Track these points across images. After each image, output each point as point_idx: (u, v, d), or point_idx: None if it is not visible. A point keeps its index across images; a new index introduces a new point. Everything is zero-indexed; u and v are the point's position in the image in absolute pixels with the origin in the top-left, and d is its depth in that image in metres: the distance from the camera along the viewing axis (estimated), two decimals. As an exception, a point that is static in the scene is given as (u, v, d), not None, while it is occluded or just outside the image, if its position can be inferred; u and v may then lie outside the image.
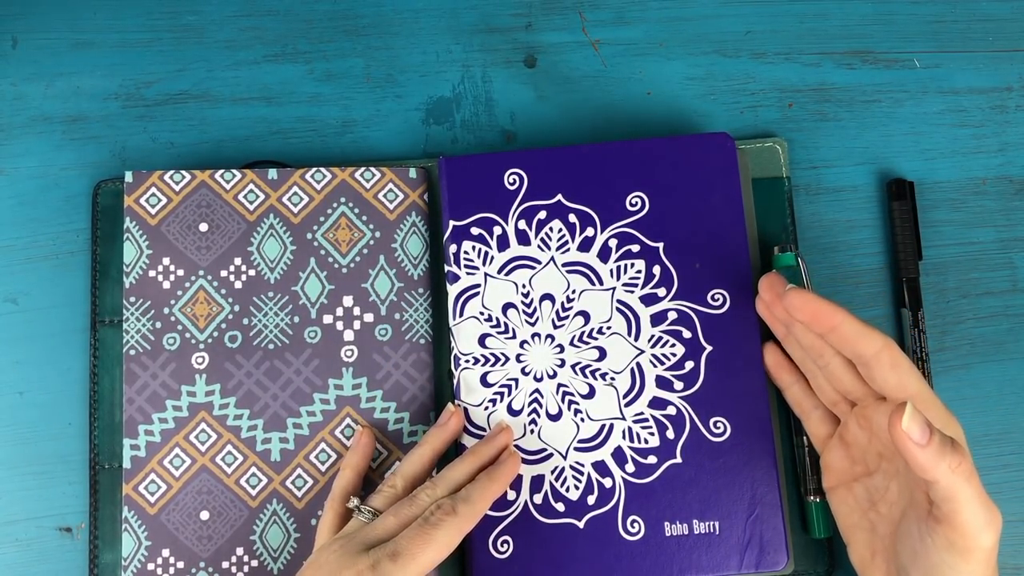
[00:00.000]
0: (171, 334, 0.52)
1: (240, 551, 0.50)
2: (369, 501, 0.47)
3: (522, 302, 0.52)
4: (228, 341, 0.52)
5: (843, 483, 0.48)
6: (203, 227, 0.53)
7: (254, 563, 0.50)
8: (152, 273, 0.52)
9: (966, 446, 0.45)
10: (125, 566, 0.50)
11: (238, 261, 0.53)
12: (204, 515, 0.51)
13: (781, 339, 0.51)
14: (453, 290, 0.52)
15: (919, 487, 0.42)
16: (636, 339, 0.51)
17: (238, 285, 0.52)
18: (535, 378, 0.51)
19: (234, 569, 0.50)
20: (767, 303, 0.50)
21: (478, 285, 0.52)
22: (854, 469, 0.48)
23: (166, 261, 0.52)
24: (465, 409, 0.51)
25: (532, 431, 0.51)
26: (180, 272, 0.52)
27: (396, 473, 0.48)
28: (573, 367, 0.51)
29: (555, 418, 0.51)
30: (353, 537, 0.44)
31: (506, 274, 0.52)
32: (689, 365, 0.51)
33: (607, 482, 0.50)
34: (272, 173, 0.53)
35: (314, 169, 0.54)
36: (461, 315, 0.52)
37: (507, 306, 0.52)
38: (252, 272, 0.53)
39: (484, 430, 0.51)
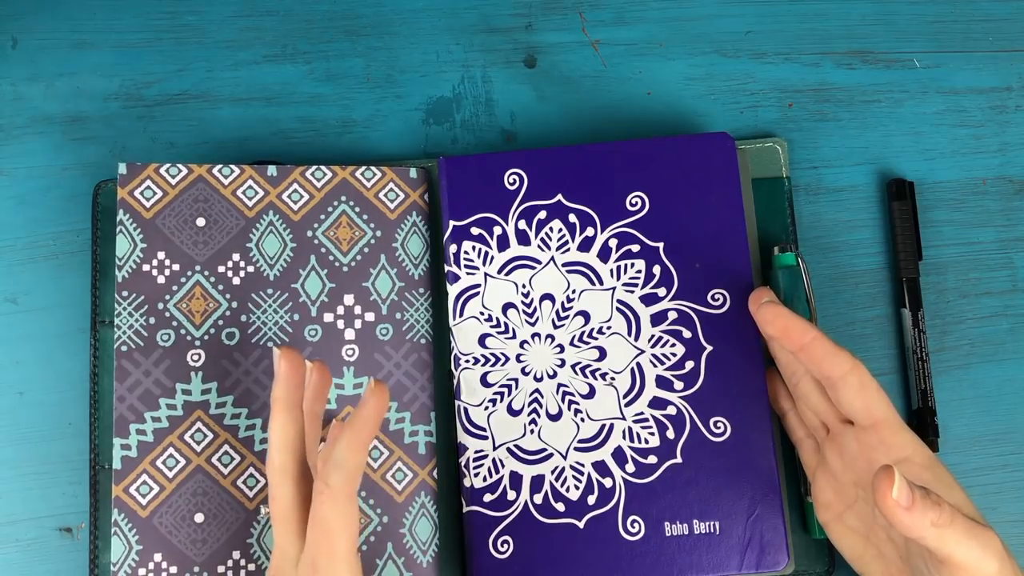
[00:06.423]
0: (165, 330, 0.51)
1: (236, 555, 0.49)
2: None
3: (522, 302, 0.52)
4: (226, 338, 0.51)
5: (836, 515, 0.48)
6: (200, 222, 0.52)
7: (251, 567, 0.49)
8: (146, 267, 0.51)
9: (937, 460, 0.44)
10: (115, 572, 0.48)
11: (236, 257, 0.52)
12: (199, 517, 0.49)
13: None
14: (453, 290, 0.52)
15: None
16: (636, 339, 0.51)
17: (236, 281, 0.52)
18: (535, 378, 0.51)
19: (230, 574, 0.49)
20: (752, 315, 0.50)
21: (478, 285, 0.52)
22: (839, 499, 0.48)
23: (161, 255, 0.51)
24: (465, 409, 0.51)
25: (532, 431, 0.51)
26: (176, 267, 0.51)
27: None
28: (573, 367, 0.51)
29: (555, 418, 0.51)
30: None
31: (506, 274, 0.52)
32: (689, 365, 0.51)
33: (607, 482, 0.50)
34: (271, 170, 0.53)
35: (314, 167, 0.53)
36: (461, 315, 0.52)
37: (507, 306, 0.52)
38: (251, 268, 0.52)
39: (484, 429, 0.51)
